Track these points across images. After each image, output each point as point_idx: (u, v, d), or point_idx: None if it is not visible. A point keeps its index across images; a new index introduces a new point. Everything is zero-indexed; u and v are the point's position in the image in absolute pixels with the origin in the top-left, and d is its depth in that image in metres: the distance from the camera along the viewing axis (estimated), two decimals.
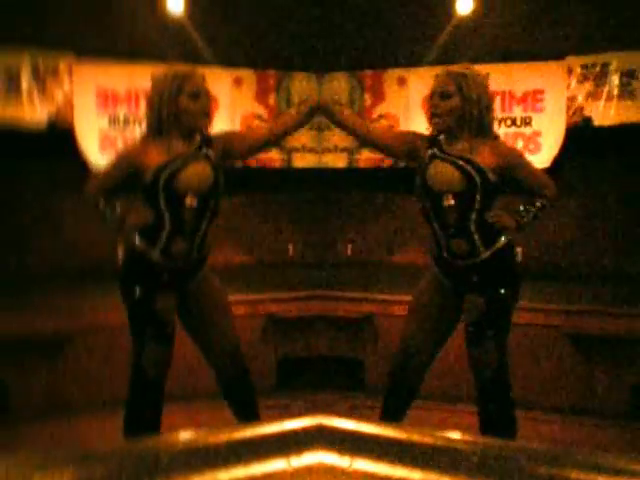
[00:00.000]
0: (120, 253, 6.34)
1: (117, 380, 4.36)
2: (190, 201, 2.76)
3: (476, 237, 2.79)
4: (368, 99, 6.81)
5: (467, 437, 1.16)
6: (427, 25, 6.48)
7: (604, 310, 4.56)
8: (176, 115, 2.76)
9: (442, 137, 2.82)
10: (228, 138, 2.97)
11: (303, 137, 6.71)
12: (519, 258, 6.34)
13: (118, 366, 4.39)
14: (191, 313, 2.92)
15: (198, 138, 2.83)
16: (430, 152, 2.83)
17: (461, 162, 2.76)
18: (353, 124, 3.01)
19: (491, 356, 2.84)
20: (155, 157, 2.74)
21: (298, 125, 3.04)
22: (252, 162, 6.60)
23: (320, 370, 4.87)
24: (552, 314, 4.57)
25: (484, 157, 2.74)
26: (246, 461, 1.06)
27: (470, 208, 2.78)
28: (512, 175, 2.80)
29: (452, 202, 2.77)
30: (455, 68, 2.84)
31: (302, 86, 6.77)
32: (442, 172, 2.79)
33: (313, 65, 6.67)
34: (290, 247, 7.18)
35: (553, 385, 4.42)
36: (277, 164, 6.88)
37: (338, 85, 6.79)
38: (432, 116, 2.82)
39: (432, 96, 2.82)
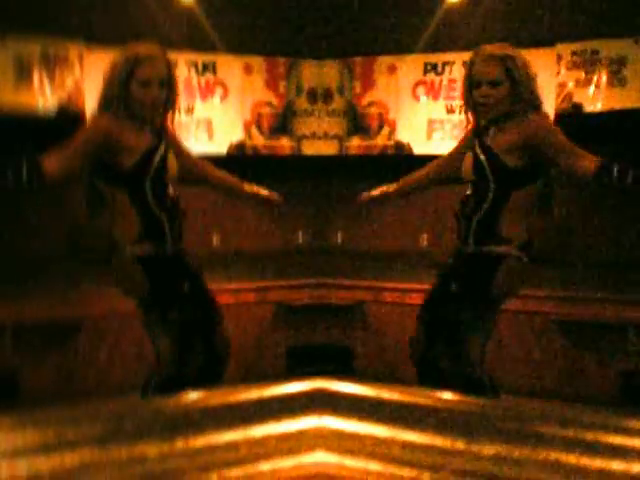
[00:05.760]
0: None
1: (127, 366, 4.36)
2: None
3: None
4: (358, 86, 6.78)
5: (460, 397, 1.16)
6: (417, 12, 6.46)
7: (593, 297, 4.56)
8: (126, 102, 2.49)
9: (492, 130, 2.63)
10: (187, 154, 2.81)
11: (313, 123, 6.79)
12: None
13: (128, 352, 4.39)
14: None
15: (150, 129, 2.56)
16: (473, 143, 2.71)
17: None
18: (410, 188, 3.04)
19: None
20: (133, 138, 2.51)
21: (232, 194, 3.02)
22: (262, 149, 6.67)
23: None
24: (541, 301, 4.56)
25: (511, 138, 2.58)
26: (248, 423, 1.07)
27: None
28: (540, 155, 2.62)
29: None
30: (496, 49, 2.67)
31: (312, 73, 6.78)
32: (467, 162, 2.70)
33: (309, 52, 6.70)
34: (300, 234, 7.09)
35: (542, 372, 4.42)
36: (287, 151, 6.85)
37: (328, 72, 6.76)
38: (482, 106, 2.60)
39: (479, 85, 2.57)
